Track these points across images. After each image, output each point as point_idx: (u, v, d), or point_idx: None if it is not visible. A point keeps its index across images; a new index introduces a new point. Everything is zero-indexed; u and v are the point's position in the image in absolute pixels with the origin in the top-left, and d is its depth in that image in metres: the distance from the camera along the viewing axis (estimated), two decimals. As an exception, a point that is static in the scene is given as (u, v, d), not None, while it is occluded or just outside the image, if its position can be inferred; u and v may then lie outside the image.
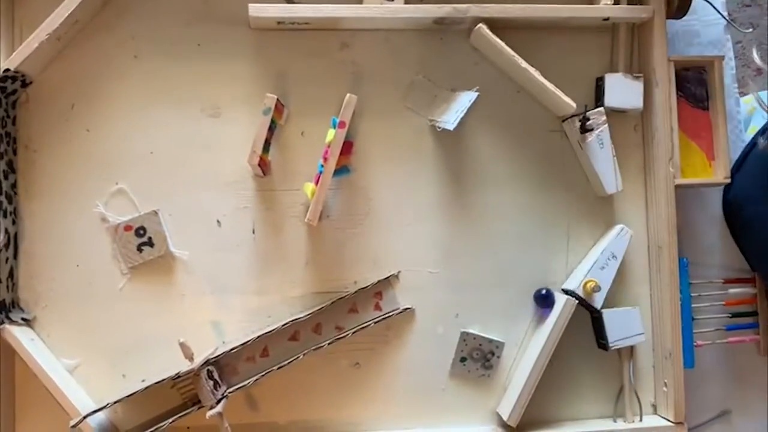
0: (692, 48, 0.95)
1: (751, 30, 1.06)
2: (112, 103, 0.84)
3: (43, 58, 0.81)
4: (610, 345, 0.85)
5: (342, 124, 0.79)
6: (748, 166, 0.90)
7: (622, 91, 0.87)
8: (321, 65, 0.86)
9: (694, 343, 0.88)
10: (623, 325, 0.85)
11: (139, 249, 0.83)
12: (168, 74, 0.85)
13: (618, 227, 0.87)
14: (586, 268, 0.85)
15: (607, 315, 0.85)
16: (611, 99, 0.87)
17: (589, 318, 0.88)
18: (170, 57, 0.85)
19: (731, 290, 0.92)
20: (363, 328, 0.84)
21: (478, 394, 0.87)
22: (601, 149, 0.86)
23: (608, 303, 0.86)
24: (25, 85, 0.82)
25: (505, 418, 0.83)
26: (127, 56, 0.84)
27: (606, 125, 0.86)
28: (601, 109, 0.86)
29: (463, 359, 0.87)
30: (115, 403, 0.77)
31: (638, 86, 0.87)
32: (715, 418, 0.93)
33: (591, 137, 0.86)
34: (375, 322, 0.84)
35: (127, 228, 0.83)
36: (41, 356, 0.79)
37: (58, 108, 0.83)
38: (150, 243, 0.83)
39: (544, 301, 0.86)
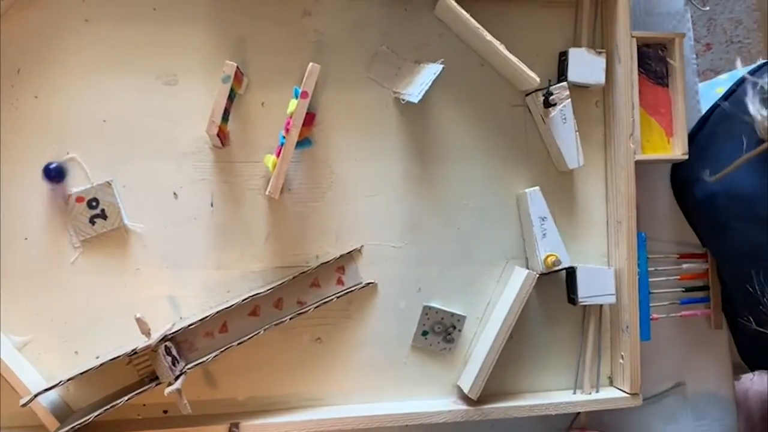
0: (651, 18, 0.95)
1: (707, 9, 1.07)
2: (62, 68, 0.80)
3: (-15, 19, 0.77)
4: (579, 300, 0.86)
5: (304, 94, 0.77)
6: (699, 144, 0.91)
7: (585, 66, 0.87)
8: (282, 33, 0.84)
9: (650, 317, 0.90)
10: (595, 283, 0.86)
11: (92, 221, 0.80)
12: (121, 39, 0.81)
13: (526, 193, 0.86)
14: (533, 245, 0.86)
15: (581, 271, 0.86)
16: (574, 74, 0.87)
17: (550, 292, 0.89)
18: (123, 21, 0.81)
19: (685, 265, 0.94)
20: (325, 302, 0.83)
21: (440, 368, 0.88)
22: (563, 124, 0.86)
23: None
24: (-34, 47, 0.77)
25: (465, 391, 0.84)
26: (77, 19, 0.80)
27: (569, 100, 0.86)
28: (564, 84, 0.86)
29: (424, 333, 0.87)
30: (68, 380, 0.74)
31: (601, 62, 0.88)
32: (670, 389, 0.95)
33: (554, 112, 0.86)
34: (337, 297, 0.83)
35: (79, 199, 0.79)
36: (-12, 333, 0.76)
37: (3, 72, 0.79)
38: (103, 215, 0.80)
39: (53, 174, 0.80)
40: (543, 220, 0.85)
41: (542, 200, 0.86)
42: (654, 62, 0.91)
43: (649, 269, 0.91)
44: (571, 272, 0.87)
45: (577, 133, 0.86)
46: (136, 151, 0.81)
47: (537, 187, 0.86)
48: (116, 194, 0.80)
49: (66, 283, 0.80)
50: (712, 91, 1.02)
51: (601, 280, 0.87)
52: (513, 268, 0.88)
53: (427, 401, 0.86)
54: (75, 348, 0.80)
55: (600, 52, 0.87)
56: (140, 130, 0.81)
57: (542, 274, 0.84)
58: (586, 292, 0.86)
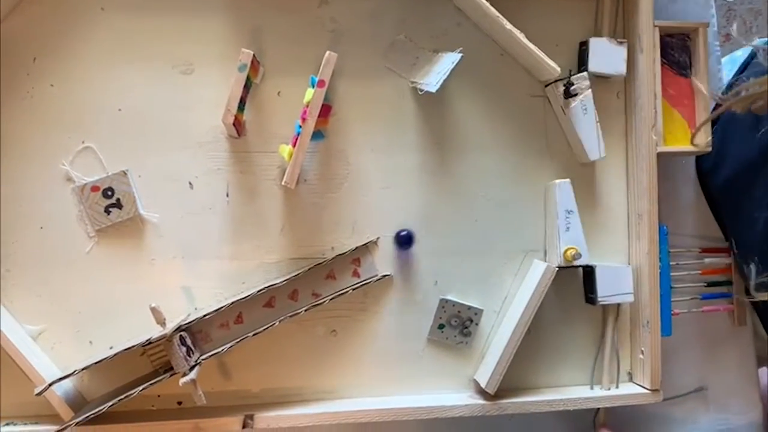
0: (675, 5, 0.93)
1: (732, 1, 1.05)
2: (78, 57, 0.79)
3: (2, 7, 0.76)
4: (599, 300, 0.84)
5: (321, 83, 0.76)
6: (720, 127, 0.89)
7: (606, 56, 0.86)
8: (299, 22, 0.83)
9: (672, 312, 0.88)
10: (614, 282, 0.85)
11: (107, 211, 0.79)
12: (137, 28, 0.80)
13: (555, 184, 0.85)
14: (555, 237, 0.84)
15: (600, 270, 0.85)
16: (595, 64, 0.85)
17: (569, 285, 0.87)
18: (140, 10, 0.80)
19: (707, 259, 0.92)
20: (340, 294, 0.82)
21: (456, 361, 0.86)
22: (584, 115, 0.84)
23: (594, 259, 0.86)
24: (-18, 35, 0.77)
25: (483, 385, 0.83)
26: (93, 8, 0.80)
27: (589, 91, 0.84)
28: (584, 74, 0.84)
29: (441, 326, 0.86)
30: (83, 370, 0.74)
31: (622, 51, 0.86)
32: (691, 392, 0.93)
33: (574, 103, 0.84)
34: (353, 289, 0.83)
35: (95, 189, 0.79)
36: (3, 323, 0.75)
37: (18, 61, 0.79)
38: (118, 205, 0.79)
39: (405, 241, 0.84)
40: (569, 213, 0.84)
41: (571, 193, 0.84)
42: (677, 52, 0.89)
43: (671, 263, 0.89)
44: (589, 271, 0.86)
45: (598, 124, 0.85)
46: (151, 141, 0.81)
47: (568, 180, 0.84)
48: (132, 183, 0.80)
49: (81, 273, 0.80)
50: (734, 64, 1.00)
51: (619, 278, 0.85)
52: (531, 261, 0.87)
53: (444, 395, 0.85)
54: (89, 338, 0.80)
55: (621, 42, 0.86)
56: (156, 119, 0.81)
57: (560, 268, 0.83)
58: (605, 292, 0.85)
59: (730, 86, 0.84)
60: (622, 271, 0.86)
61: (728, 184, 0.88)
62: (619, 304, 0.88)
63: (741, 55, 0.99)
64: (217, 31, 0.81)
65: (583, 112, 0.84)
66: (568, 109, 0.84)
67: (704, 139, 0.87)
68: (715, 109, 0.86)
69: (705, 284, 0.92)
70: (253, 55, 0.77)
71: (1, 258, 0.78)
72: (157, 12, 0.81)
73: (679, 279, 0.90)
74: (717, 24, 0.96)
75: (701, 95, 0.88)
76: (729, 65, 0.96)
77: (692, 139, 0.87)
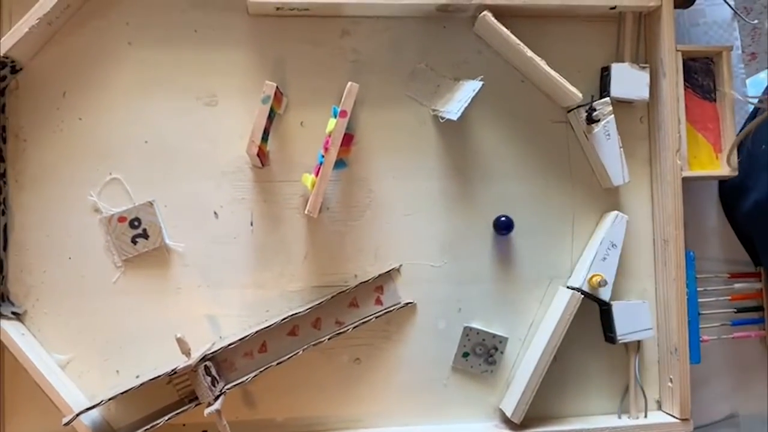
0: (697, 28, 0.93)
1: (756, 21, 1.04)
2: (106, 90, 0.81)
3: (33, 43, 0.78)
4: (618, 338, 0.83)
5: (343, 113, 0.77)
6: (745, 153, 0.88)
7: (629, 81, 0.85)
8: (321, 53, 0.84)
9: (700, 339, 0.87)
10: (632, 319, 0.84)
11: (134, 241, 0.80)
12: (163, 61, 0.82)
13: (613, 214, 0.85)
14: (588, 261, 0.84)
15: (617, 307, 0.84)
16: (617, 89, 0.85)
17: (593, 313, 0.86)
18: (165, 44, 0.82)
19: (737, 285, 0.91)
20: (364, 322, 0.82)
21: (481, 390, 0.86)
22: (607, 140, 0.84)
23: (614, 296, 0.84)
24: (15, 71, 0.79)
25: (508, 415, 0.82)
26: (120, 42, 0.82)
27: (612, 116, 0.84)
28: (607, 99, 0.84)
29: (465, 354, 0.85)
30: (109, 400, 0.75)
31: (644, 76, 0.86)
32: (722, 420, 0.91)
33: (597, 128, 0.84)
34: (376, 317, 0.82)
35: (122, 219, 0.80)
36: (32, 351, 0.76)
37: (49, 95, 0.81)
38: (145, 235, 0.81)
39: (505, 227, 0.84)
40: (612, 246, 0.83)
41: (623, 229, 0.84)
42: (701, 76, 0.88)
43: (699, 289, 0.88)
44: (606, 309, 0.85)
45: (622, 149, 0.84)
46: (177, 172, 0.82)
47: (626, 217, 0.85)
48: (158, 214, 0.81)
49: (108, 302, 0.81)
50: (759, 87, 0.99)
51: (638, 314, 0.85)
52: (556, 288, 0.86)
53: (469, 425, 0.84)
54: (116, 367, 0.81)
55: (643, 67, 0.86)
56: (181, 150, 0.82)
57: (583, 293, 0.82)
58: (624, 329, 0.84)
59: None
60: (640, 307, 0.85)
61: (759, 208, 0.87)
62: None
63: (765, 77, 0.98)
64: (240, 63, 0.83)
65: (606, 137, 0.84)
66: (591, 134, 0.84)
67: (734, 162, 0.86)
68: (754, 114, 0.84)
69: (735, 310, 0.90)
70: (276, 87, 0.78)
71: (31, 288, 0.80)
72: (181, 45, 0.82)
73: (707, 305, 0.89)
74: (741, 44, 0.95)
75: (726, 119, 0.87)
76: (754, 87, 0.95)
77: (728, 158, 0.86)
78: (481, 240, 0.86)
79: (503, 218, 0.84)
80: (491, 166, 0.86)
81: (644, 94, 0.86)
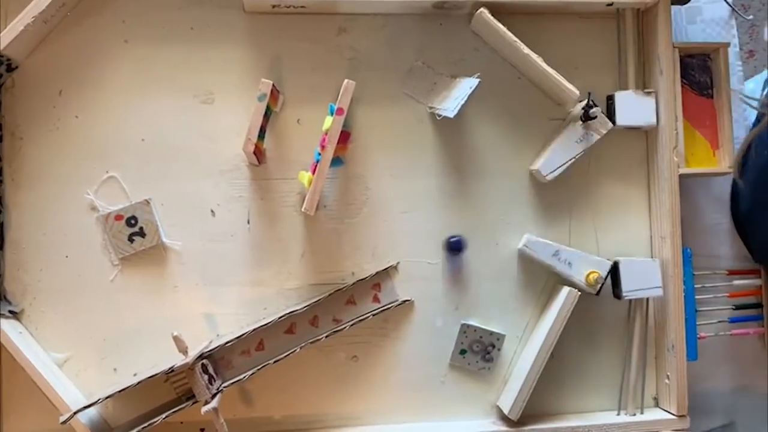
0: (694, 26, 0.93)
1: (751, 17, 1.04)
2: (102, 88, 0.81)
3: (29, 41, 0.78)
4: (624, 294, 0.83)
5: (340, 111, 0.77)
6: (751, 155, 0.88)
7: (634, 108, 0.85)
8: (317, 51, 0.84)
9: (698, 335, 0.87)
10: (640, 276, 0.83)
11: (131, 239, 0.80)
12: (159, 59, 0.82)
13: (522, 248, 0.84)
14: (568, 276, 0.84)
15: (624, 263, 0.84)
16: (622, 117, 0.85)
17: (590, 310, 0.86)
18: (162, 41, 0.82)
19: (736, 282, 0.91)
20: (361, 320, 0.82)
21: (479, 387, 0.86)
22: (575, 143, 0.84)
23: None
24: (10, 69, 0.79)
25: (506, 412, 0.82)
26: (117, 40, 0.82)
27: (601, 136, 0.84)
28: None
29: (463, 351, 0.85)
30: (107, 398, 0.75)
31: (650, 102, 0.85)
32: (719, 428, 0.91)
33: (582, 130, 0.84)
34: (373, 315, 0.82)
35: (118, 217, 0.80)
36: (29, 350, 0.76)
37: (45, 94, 0.80)
38: (141, 233, 0.81)
39: (455, 248, 0.84)
40: (556, 254, 0.83)
41: (541, 242, 0.84)
42: (698, 73, 0.88)
43: (696, 286, 0.88)
44: (614, 267, 0.85)
45: (572, 160, 0.84)
46: (173, 170, 0.82)
47: (526, 235, 0.84)
48: (154, 212, 0.81)
49: (105, 301, 0.81)
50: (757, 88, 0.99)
51: (646, 272, 0.84)
52: (554, 285, 0.86)
53: (466, 422, 0.85)
54: (113, 365, 0.81)
55: (648, 92, 0.85)
56: (178, 148, 0.82)
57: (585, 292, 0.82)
58: (630, 286, 0.83)
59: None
60: (649, 264, 0.84)
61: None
62: (645, 326, 0.87)
63: (762, 77, 0.98)
64: (236, 60, 0.83)
65: (577, 141, 0.83)
66: (568, 126, 0.84)
67: (727, 161, 0.86)
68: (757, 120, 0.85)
69: (733, 307, 0.90)
70: (273, 85, 0.78)
71: (28, 286, 0.80)
72: (178, 43, 0.82)
73: (705, 302, 0.89)
74: (739, 42, 0.95)
75: (724, 116, 0.87)
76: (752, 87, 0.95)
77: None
78: (477, 237, 0.86)
79: (453, 239, 0.84)
80: (488, 163, 0.86)
81: (651, 120, 0.85)
